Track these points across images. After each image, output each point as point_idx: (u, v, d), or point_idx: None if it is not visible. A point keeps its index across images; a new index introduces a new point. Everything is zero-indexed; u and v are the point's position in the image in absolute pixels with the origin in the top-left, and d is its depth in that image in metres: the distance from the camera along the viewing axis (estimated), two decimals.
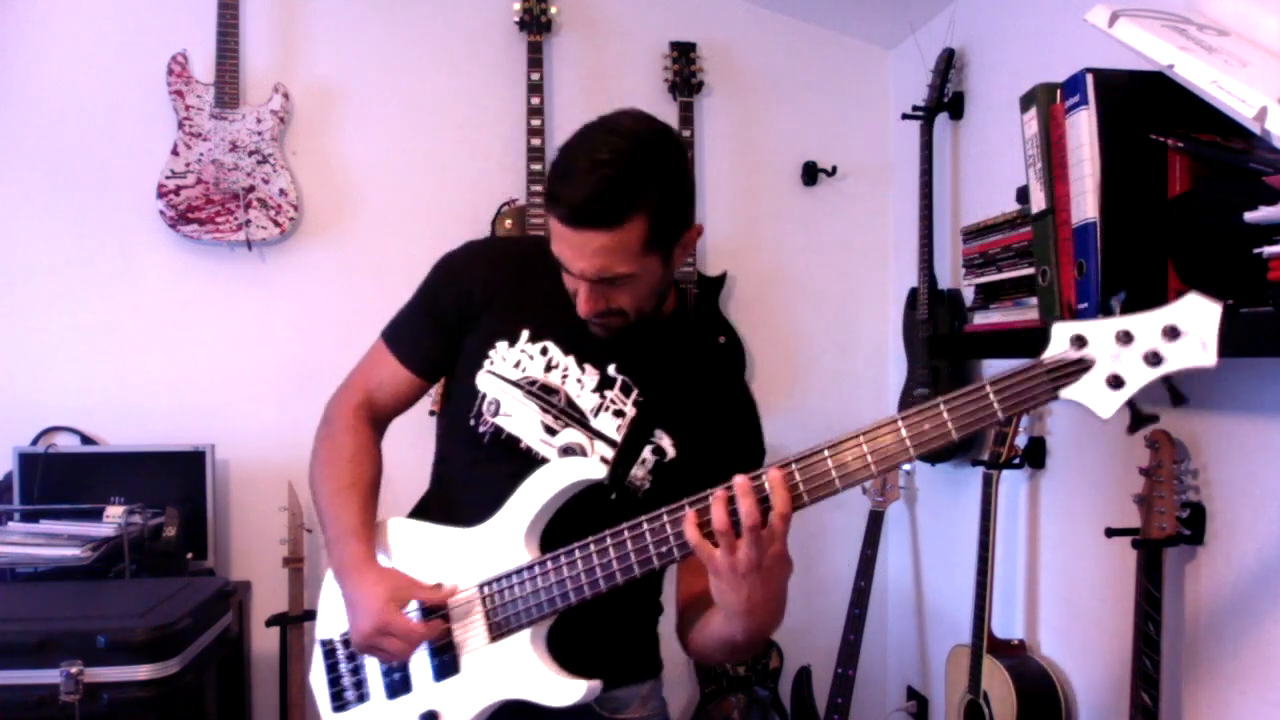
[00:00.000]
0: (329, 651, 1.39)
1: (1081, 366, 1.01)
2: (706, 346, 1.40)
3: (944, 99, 2.56)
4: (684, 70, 2.87)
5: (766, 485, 1.10)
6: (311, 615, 2.62)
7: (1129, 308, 1.02)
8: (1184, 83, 1.30)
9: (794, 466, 1.11)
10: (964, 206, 2.60)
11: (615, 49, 2.92)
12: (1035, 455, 2.20)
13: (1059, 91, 1.58)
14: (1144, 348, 0.99)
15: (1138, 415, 1.08)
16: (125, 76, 2.72)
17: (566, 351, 1.33)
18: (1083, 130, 1.50)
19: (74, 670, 1.84)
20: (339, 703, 1.36)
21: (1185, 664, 1.75)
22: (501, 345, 1.34)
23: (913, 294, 2.62)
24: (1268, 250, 1.23)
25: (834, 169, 3.01)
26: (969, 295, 2.23)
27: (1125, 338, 0.99)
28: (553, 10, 2.81)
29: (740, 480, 1.10)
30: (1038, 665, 2.13)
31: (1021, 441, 2.18)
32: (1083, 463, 2.09)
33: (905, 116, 2.62)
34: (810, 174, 3.00)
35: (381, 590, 1.26)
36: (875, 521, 2.65)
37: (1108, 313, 1.02)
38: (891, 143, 3.04)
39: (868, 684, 2.97)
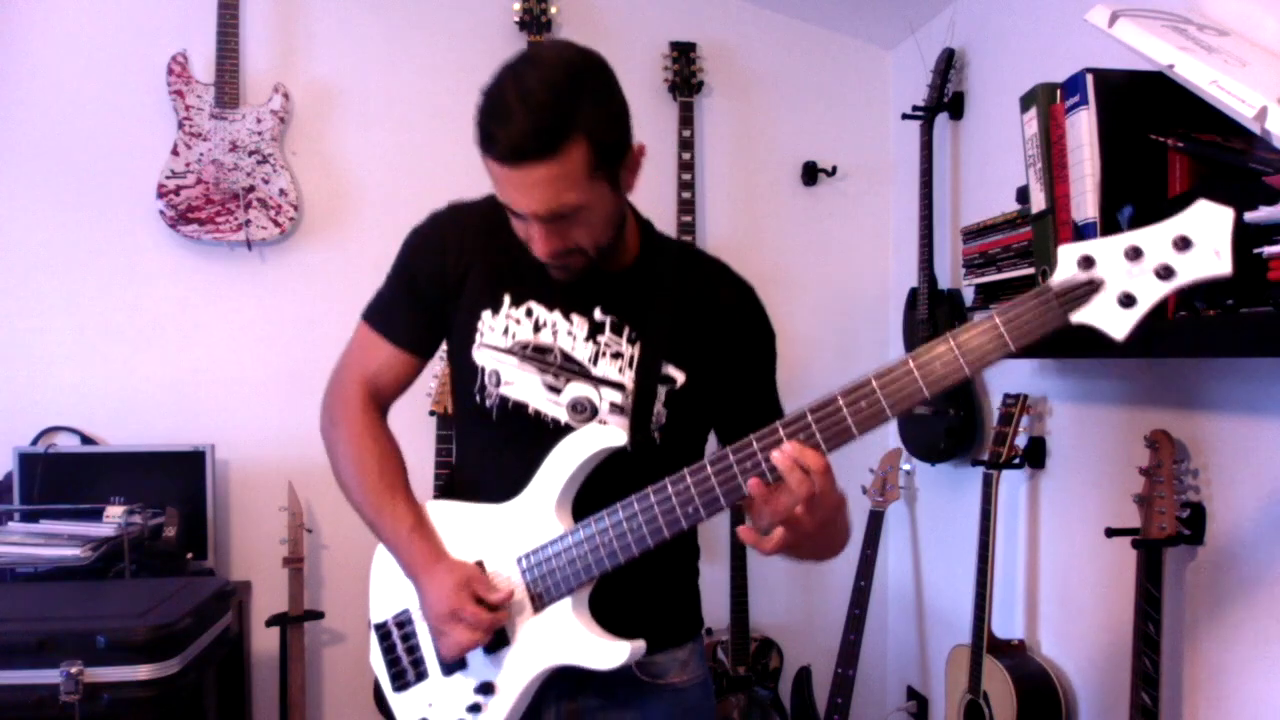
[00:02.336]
0: (384, 634, 1.41)
1: (1091, 288, 0.97)
2: (692, 270, 1.38)
3: (944, 99, 2.56)
4: (684, 70, 2.87)
5: (790, 453, 1.11)
6: (311, 615, 2.64)
7: (1137, 223, 0.99)
8: (1184, 83, 1.30)
9: (810, 418, 1.10)
10: (964, 206, 2.60)
11: (615, 49, 2.86)
12: (1035, 455, 2.20)
13: (1059, 91, 1.58)
14: (1155, 262, 0.94)
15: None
16: (125, 76, 2.72)
17: (551, 307, 1.32)
18: (1083, 130, 1.50)
19: (74, 670, 1.84)
20: (400, 682, 1.39)
21: (1185, 664, 1.75)
22: (486, 315, 1.34)
23: (913, 294, 2.62)
24: (1268, 250, 1.23)
25: (834, 169, 3.01)
26: (969, 295, 2.24)
27: (1135, 254, 0.95)
28: (553, 10, 2.81)
29: (778, 455, 1.10)
30: (1038, 665, 2.13)
31: (1021, 441, 2.18)
32: (1083, 463, 2.09)
33: (905, 116, 2.62)
34: (810, 174, 3.00)
35: (451, 580, 1.29)
36: (875, 521, 2.65)
37: (1115, 229, 0.98)
38: (891, 143, 3.04)
39: (868, 684, 2.97)
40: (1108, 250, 0.97)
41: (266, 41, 2.78)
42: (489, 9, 2.85)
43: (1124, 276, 0.96)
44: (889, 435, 2.87)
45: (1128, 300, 0.96)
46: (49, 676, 1.85)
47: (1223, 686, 1.68)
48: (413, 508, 1.37)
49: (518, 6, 2.78)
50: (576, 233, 1.21)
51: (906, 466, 2.75)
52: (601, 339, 1.32)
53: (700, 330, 1.34)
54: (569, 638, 1.27)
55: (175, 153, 2.65)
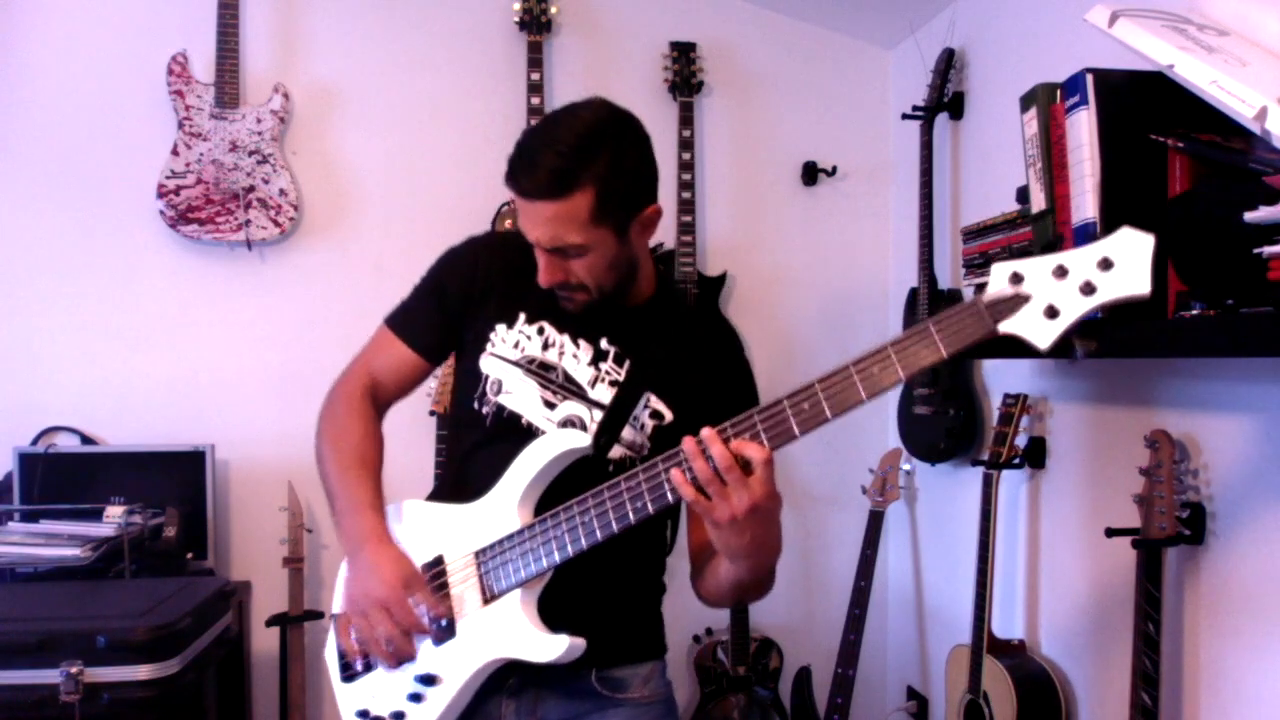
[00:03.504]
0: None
1: (1018, 301, 1.04)
2: (697, 321, 1.50)
3: (944, 99, 2.56)
4: (684, 70, 2.87)
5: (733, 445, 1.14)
6: (311, 615, 2.64)
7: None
8: (1184, 83, 1.30)
9: (756, 419, 1.15)
10: (964, 206, 2.59)
11: (615, 49, 2.92)
12: (1035, 455, 2.20)
13: (1059, 91, 1.58)
14: (1079, 279, 1.02)
15: (1074, 351, 1.16)
16: (125, 76, 2.72)
17: (561, 330, 1.40)
18: (1083, 130, 1.50)
19: (74, 670, 1.85)
20: (348, 673, 1.43)
21: (1185, 664, 1.75)
22: (501, 328, 1.41)
23: (913, 294, 2.62)
24: (1268, 250, 1.23)
25: (834, 169, 3.01)
26: (969, 295, 2.23)
27: (1061, 272, 1.02)
28: (553, 10, 2.81)
29: (707, 431, 1.15)
30: (1038, 665, 2.13)
31: (1021, 441, 2.18)
32: (1083, 463, 2.09)
33: (905, 116, 2.62)
34: (810, 174, 3.00)
35: (400, 570, 1.31)
36: (875, 521, 2.65)
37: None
38: (891, 143, 3.04)
39: (868, 684, 2.97)
40: (1036, 268, 1.04)
41: (266, 41, 2.78)
42: (489, 9, 2.85)
43: (1050, 292, 1.03)
44: (889, 435, 2.87)
45: (1052, 312, 1.03)
46: (49, 676, 1.85)
47: (1223, 686, 1.68)
48: (375, 488, 1.41)
49: (518, 6, 2.78)
50: (576, 268, 1.31)
51: (906, 466, 2.75)
52: (603, 366, 1.39)
53: (697, 377, 1.40)
54: (511, 631, 1.30)
55: (175, 153, 2.65)
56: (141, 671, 1.90)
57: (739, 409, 1.38)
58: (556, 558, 1.26)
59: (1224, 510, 1.67)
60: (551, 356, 1.39)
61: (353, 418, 1.46)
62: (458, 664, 1.32)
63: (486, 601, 1.31)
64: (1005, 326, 1.05)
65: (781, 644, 2.87)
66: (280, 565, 2.58)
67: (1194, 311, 1.38)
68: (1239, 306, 1.31)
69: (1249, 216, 1.23)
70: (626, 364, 1.38)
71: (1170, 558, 1.72)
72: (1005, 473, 2.18)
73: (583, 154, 1.24)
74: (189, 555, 2.54)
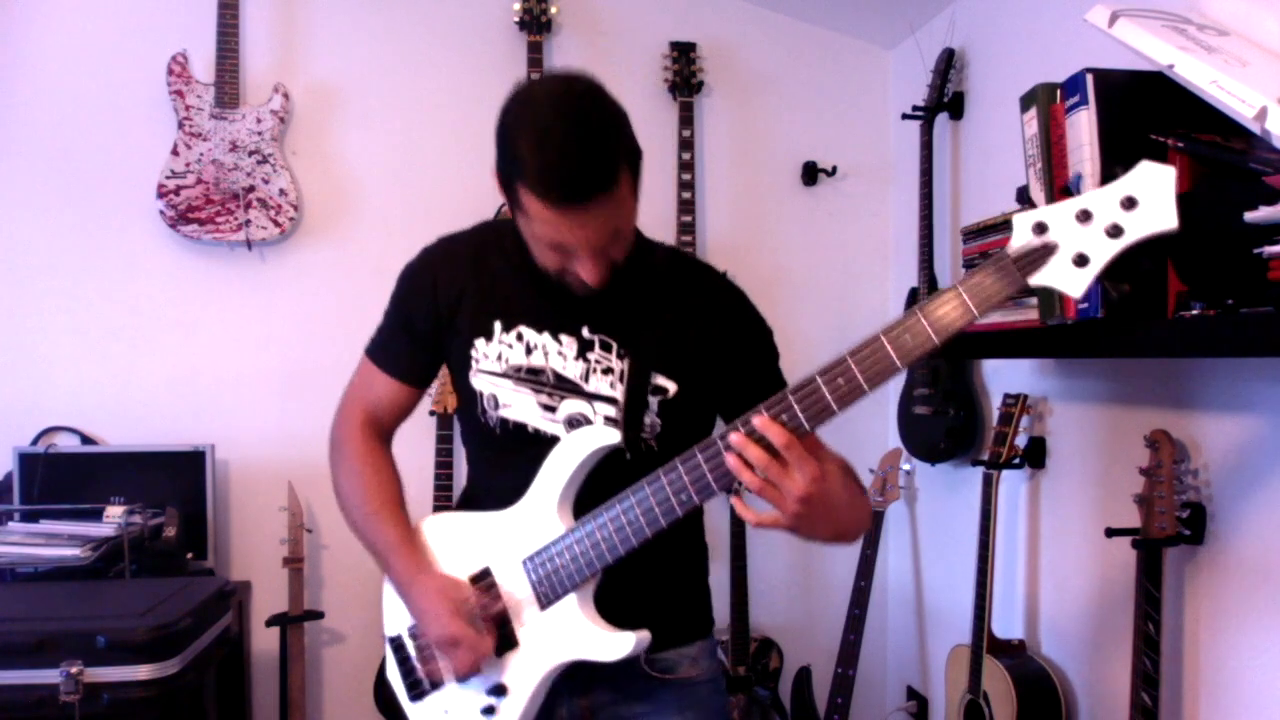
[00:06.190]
0: (398, 646, 1.45)
1: (1046, 251, 1.01)
2: (677, 273, 1.43)
3: (944, 99, 2.56)
4: (684, 70, 2.87)
5: (758, 428, 1.13)
6: (311, 615, 2.64)
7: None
8: (1184, 83, 1.30)
9: (791, 399, 1.14)
10: (964, 206, 2.59)
11: (615, 49, 2.92)
12: (1035, 455, 2.20)
13: (1059, 91, 1.58)
14: (1104, 222, 0.99)
15: (1109, 294, 1.10)
16: (125, 76, 2.72)
17: (540, 330, 1.36)
18: (1083, 130, 1.50)
19: (74, 670, 1.84)
20: (415, 692, 1.43)
21: (1185, 664, 1.75)
22: (480, 343, 1.38)
23: (913, 294, 2.62)
24: (1268, 250, 1.23)
25: (834, 169, 3.01)
26: None
27: (1085, 216, 0.99)
28: (553, 10, 2.81)
29: (758, 419, 1.13)
30: (1038, 665, 2.13)
31: (1021, 441, 2.18)
32: (1083, 463, 2.09)
33: (905, 116, 2.62)
34: (810, 174, 3.00)
35: (444, 605, 1.32)
36: (875, 522, 2.65)
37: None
38: (891, 143, 3.04)
39: (868, 684, 2.97)
40: (1059, 215, 1.01)
41: (266, 41, 2.78)
42: (489, 9, 2.85)
43: (1076, 238, 1.00)
44: (889, 435, 2.87)
45: (1081, 260, 1.00)
46: (49, 676, 1.85)
47: (1223, 686, 1.68)
48: (399, 525, 1.41)
49: (518, 6, 2.78)
50: (616, 249, 1.26)
51: (906, 466, 2.75)
52: (591, 356, 1.35)
53: (690, 340, 1.36)
54: (576, 633, 1.30)
55: (175, 153, 2.65)
56: (141, 671, 1.89)
57: (750, 359, 1.37)
58: (609, 558, 1.25)
59: (1224, 510, 1.67)
60: (537, 360, 1.35)
61: (358, 461, 1.46)
62: (525, 672, 1.33)
63: (544, 607, 1.31)
64: (1036, 280, 1.02)
65: (781, 644, 2.87)
66: (280, 565, 2.58)
67: (1194, 311, 1.38)
68: (1239, 306, 1.31)
69: (1249, 216, 1.23)
70: (614, 348, 1.35)
71: (1170, 558, 1.72)
72: (1005, 473, 2.18)
73: (608, 133, 1.18)
74: (189, 555, 2.54)
